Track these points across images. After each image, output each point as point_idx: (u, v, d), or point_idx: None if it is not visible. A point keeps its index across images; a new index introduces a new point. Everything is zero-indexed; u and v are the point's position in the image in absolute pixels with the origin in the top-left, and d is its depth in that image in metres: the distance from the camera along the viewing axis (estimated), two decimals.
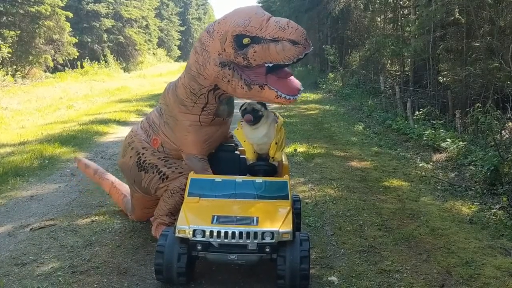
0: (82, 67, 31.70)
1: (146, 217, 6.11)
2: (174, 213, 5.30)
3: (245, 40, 4.43)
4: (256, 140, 4.89)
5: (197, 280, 4.60)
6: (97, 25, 37.13)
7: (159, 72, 40.35)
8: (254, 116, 4.72)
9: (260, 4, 43.66)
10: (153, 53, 53.55)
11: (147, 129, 5.52)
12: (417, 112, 13.42)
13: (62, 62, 30.61)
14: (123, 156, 5.66)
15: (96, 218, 6.30)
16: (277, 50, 4.35)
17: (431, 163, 9.60)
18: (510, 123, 9.97)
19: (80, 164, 7.05)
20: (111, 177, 6.77)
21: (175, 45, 64.51)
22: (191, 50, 5.05)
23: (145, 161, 5.34)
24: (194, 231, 4.20)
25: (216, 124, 5.19)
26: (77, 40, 31.65)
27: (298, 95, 4.69)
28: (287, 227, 4.26)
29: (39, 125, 13.70)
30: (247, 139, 4.94)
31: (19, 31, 25.68)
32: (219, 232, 4.17)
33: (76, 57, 31.35)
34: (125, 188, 6.52)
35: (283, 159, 5.37)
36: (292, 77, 4.76)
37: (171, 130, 5.25)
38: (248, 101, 4.90)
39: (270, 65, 4.50)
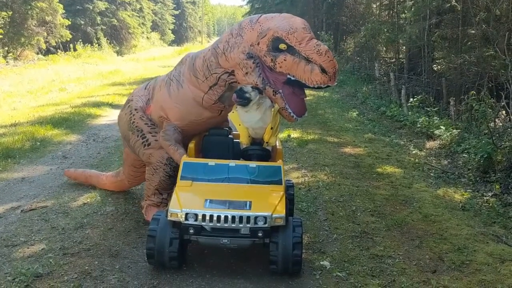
0: (75, 49, 31.33)
1: (130, 180, 6.26)
2: (161, 191, 5.34)
3: (282, 46, 4.56)
4: (251, 124, 4.86)
5: (189, 263, 4.58)
6: (90, 7, 36.60)
7: (152, 56, 39.97)
8: (239, 96, 4.68)
9: None
10: (147, 37, 53.01)
11: (150, 93, 5.57)
12: (411, 99, 13.41)
13: (55, 44, 30.24)
14: (122, 109, 5.79)
15: (88, 200, 6.26)
16: (305, 69, 4.52)
17: (424, 150, 9.62)
18: (503, 111, 9.97)
19: (70, 173, 7.05)
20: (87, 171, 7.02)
21: (169, 29, 63.74)
22: (226, 30, 5.13)
23: (134, 122, 5.44)
24: (186, 214, 4.19)
25: (214, 111, 5.17)
26: (70, 22, 31.19)
27: (301, 118, 4.92)
28: (280, 212, 4.25)
29: (31, 107, 13.56)
30: (243, 123, 4.90)
31: (11, 12, 25.27)
32: (211, 216, 4.16)
33: (69, 39, 30.95)
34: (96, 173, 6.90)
35: (277, 144, 5.34)
36: (304, 99, 4.92)
37: (169, 93, 5.24)
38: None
39: (293, 78, 4.63)
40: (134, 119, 5.44)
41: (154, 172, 5.34)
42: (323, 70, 4.48)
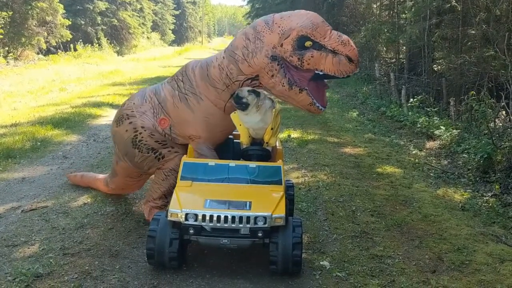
0: (75, 49, 31.31)
1: (124, 188, 6.16)
2: (167, 195, 5.29)
3: (307, 43, 4.62)
4: (252, 125, 4.89)
5: (189, 263, 4.59)
6: (91, 7, 36.59)
7: (153, 56, 39.91)
8: (236, 101, 4.73)
9: None
10: (147, 37, 53.00)
11: (155, 105, 5.30)
12: (411, 100, 13.43)
13: (55, 44, 30.25)
14: (117, 124, 5.41)
15: (88, 200, 6.27)
16: (334, 62, 4.61)
17: (424, 150, 9.63)
18: (503, 112, 9.98)
19: (71, 178, 7.03)
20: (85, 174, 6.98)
21: (170, 29, 63.75)
22: (237, 34, 5.07)
23: (141, 141, 5.20)
24: (186, 215, 4.19)
25: None
26: (70, 22, 31.21)
27: (325, 107, 5.04)
28: (280, 212, 4.26)
29: (31, 107, 13.56)
30: (243, 124, 4.92)
31: (12, 12, 25.27)
32: (211, 216, 4.17)
33: (69, 39, 30.96)
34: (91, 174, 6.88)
35: (277, 145, 5.35)
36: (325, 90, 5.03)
37: (190, 109, 5.12)
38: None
39: (321, 73, 4.70)
40: (142, 137, 5.18)
41: (165, 177, 5.30)
42: (349, 59, 4.60)
